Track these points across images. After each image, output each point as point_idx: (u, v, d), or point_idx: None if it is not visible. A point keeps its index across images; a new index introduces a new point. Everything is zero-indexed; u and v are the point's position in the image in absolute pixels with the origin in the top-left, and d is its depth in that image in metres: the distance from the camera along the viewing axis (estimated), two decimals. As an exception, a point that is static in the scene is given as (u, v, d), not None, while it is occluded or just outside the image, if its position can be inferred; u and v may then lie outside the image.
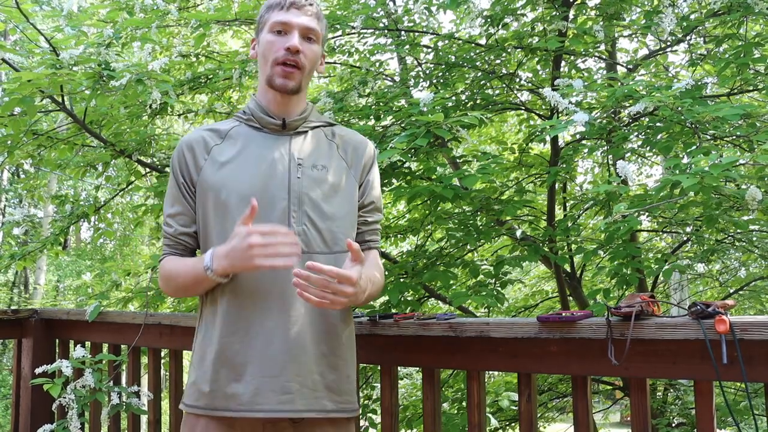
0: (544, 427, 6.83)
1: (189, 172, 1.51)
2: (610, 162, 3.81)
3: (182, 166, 1.52)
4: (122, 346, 2.59)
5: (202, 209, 1.50)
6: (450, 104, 3.27)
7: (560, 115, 2.19)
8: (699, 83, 2.83)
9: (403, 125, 2.72)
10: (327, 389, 1.45)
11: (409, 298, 3.54)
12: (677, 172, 1.96)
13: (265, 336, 1.41)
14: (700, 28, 3.25)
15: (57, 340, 2.82)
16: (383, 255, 4.03)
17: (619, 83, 2.47)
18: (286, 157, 1.50)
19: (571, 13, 3.26)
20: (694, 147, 2.35)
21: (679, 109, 2.07)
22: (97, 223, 4.14)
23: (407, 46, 3.58)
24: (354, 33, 3.61)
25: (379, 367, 1.88)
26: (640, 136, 3.38)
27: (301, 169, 1.49)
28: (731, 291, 5.70)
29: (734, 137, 2.87)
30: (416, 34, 3.64)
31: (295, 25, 1.47)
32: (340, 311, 1.50)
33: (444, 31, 3.72)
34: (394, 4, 3.92)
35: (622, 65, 4.30)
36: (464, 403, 4.33)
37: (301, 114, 1.54)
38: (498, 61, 3.55)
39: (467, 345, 1.68)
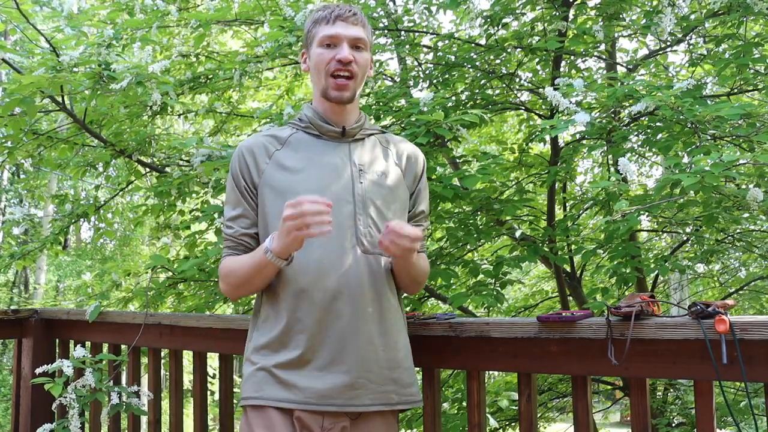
0: (544, 427, 6.83)
1: (251, 175, 1.54)
2: (610, 162, 3.81)
3: (243, 170, 1.55)
4: (122, 346, 2.59)
5: (264, 211, 1.53)
6: (450, 104, 3.27)
7: (561, 114, 2.19)
8: (699, 83, 2.83)
9: (403, 125, 2.72)
10: (394, 383, 1.51)
11: (409, 297, 3.54)
12: (677, 171, 1.96)
13: (338, 335, 1.46)
14: (700, 28, 3.25)
15: (57, 340, 2.82)
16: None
17: (620, 83, 2.47)
18: (348, 163, 1.55)
19: (571, 13, 3.25)
20: (694, 146, 2.35)
21: (680, 108, 2.07)
22: (97, 222, 4.14)
23: (407, 46, 3.58)
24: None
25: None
26: (640, 135, 3.38)
27: (363, 175, 1.54)
28: (731, 291, 5.70)
29: (734, 137, 2.87)
30: (416, 34, 3.64)
31: (344, 37, 1.51)
32: (397, 306, 1.57)
33: (444, 31, 3.72)
34: (394, 4, 3.92)
35: (622, 65, 4.30)
36: (464, 403, 4.33)
37: (357, 122, 1.59)
38: (498, 61, 3.55)
39: (467, 345, 1.68)
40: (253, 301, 1.62)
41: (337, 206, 1.48)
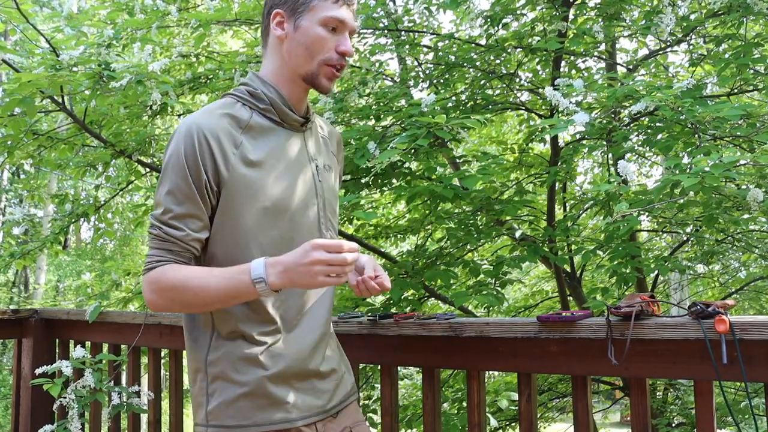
0: (544, 427, 6.83)
1: (216, 167, 1.26)
2: (610, 162, 3.81)
3: (205, 159, 1.26)
4: (122, 346, 2.59)
5: (232, 215, 1.29)
6: (450, 104, 3.27)
7: (560, 114, 2.20)
8: (699, 83, 2.83)
9: (403, 126, 2.72)
10: (348, 373, 1.52)
11: (409, 297, 3.54)
12: (678, 171, 1.96)
13: (317, 342, 1.39)
14: (700, 28, 3.25)
15: (57, 340, 2.82)
16: (383, 255, 4.03)
17: (619, 83, 2.47)
18: (307, 157, 1.41)
19: (571, 13, 3.25)
20: (695, 147, 2.35)
21: (680, 108, 2.07)
22: (97, 222, 4.14)
23: (407, 47, 3.58)
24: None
25: (379, 367, 1.88)
26: (640, 136, 3.39)
27: (319, 171, 1.43)
28: (731, 291, 5.70)
29: (734, 137, 2.87)
30: (416, 34, 3.64)
31: (348, 26, 1.35)
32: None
33: (444, 31, 3.72)
34: (394, 4, 3.92)
35: (622, 65, 4.30)
36: (464, 403, 4.33)
37: (307, 108, 1.44)
38: (498, 61, 3.55)
39: (467, 345, 1.68)
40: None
41: (305, 208, 1.37)
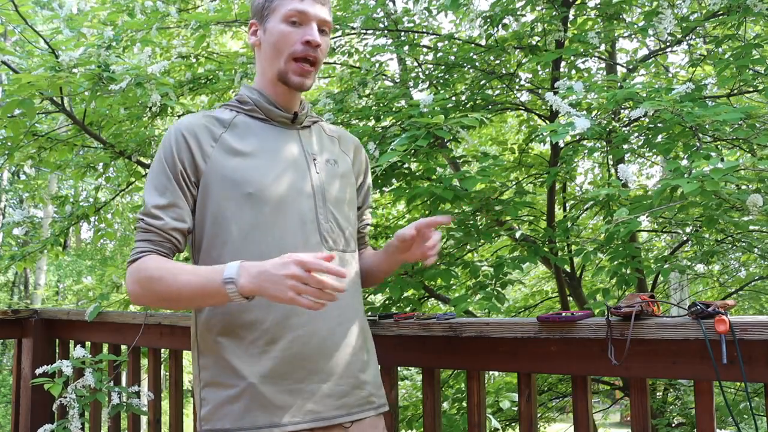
0: (544, 427, 6.83)
1: (193, 159, 1.33)
2: (610, 162, 3.81)
3: (182, 153, 1.33)
4: (122, 346, 2.59)
5: (212, 203, 1.33)
6: (450, 105, 3.27)
7: (561, 117, 2.20)
8: (699, 84, 2.83)
9: (403, 126, 2.72)
10: (371, 385, 1.43)
11: (409, 297, 3.54)
12: (677, 175, 1.96)
13: (314, 339, 1.32)
14: (700, 28, 3.25)
15: (57, 340, 2.82)
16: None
17: (619, 85, 2.48)
18: (301, 151, 1.42)
19: (571, 14, 3.25)
20: (695, 149, 2.35)
21: (680, 111, 2.07)
22: (97, 223, 4.14)
23: (407, 47, 3.59)
24: (354, 33, 3.62)
25: (379, 367, 1.87)
26: (639, 137, 3.39)
27: (317, 164, 1.43)
28: (731, 291, 5.70)
29: (734, 139, 2.87)
30: (416, 34, 3.64)
31: (313, 17, 1.37)
32: (362, 306, 1.49)
33: (444, 32, 3.72)
34: (394, 4, 3.92)
35: (622, 65, 4.30)
36: (464, 403, 4.33)
37: (302, 108, 1.46)
38: (498, 62, 3.55)
39: (467, 345, 1.68)
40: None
41: (298, 199, 1.36)
